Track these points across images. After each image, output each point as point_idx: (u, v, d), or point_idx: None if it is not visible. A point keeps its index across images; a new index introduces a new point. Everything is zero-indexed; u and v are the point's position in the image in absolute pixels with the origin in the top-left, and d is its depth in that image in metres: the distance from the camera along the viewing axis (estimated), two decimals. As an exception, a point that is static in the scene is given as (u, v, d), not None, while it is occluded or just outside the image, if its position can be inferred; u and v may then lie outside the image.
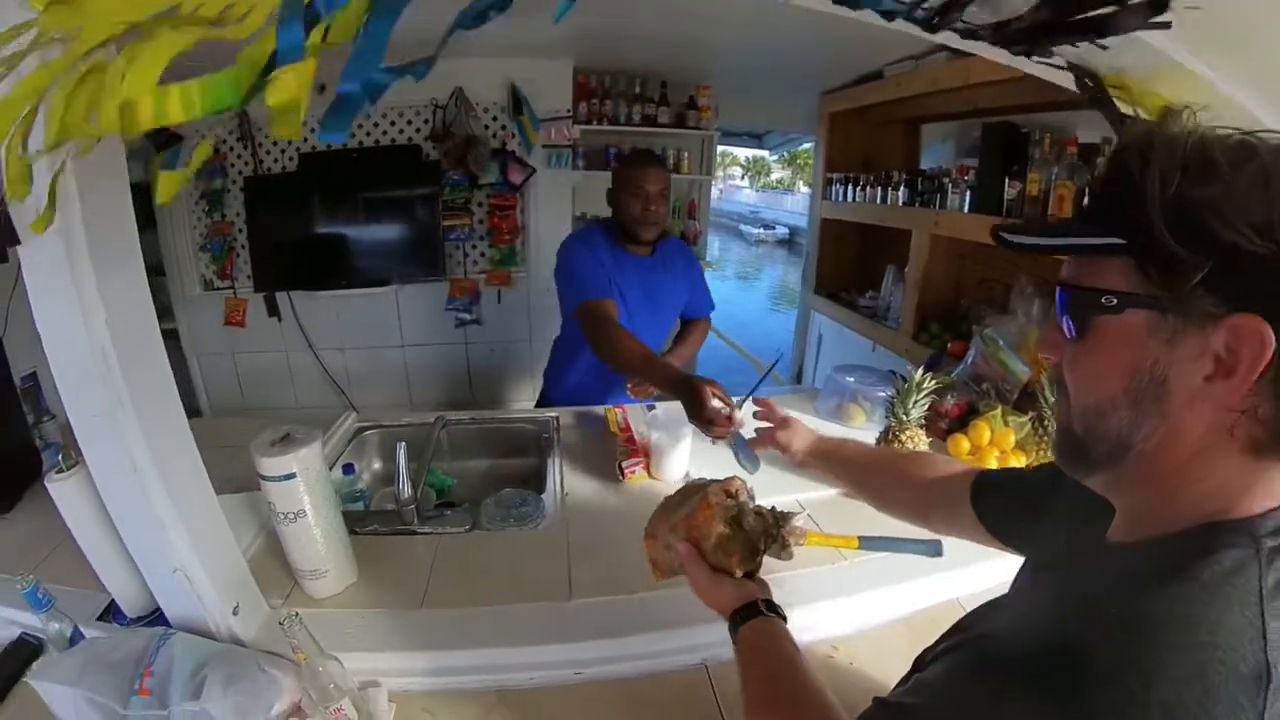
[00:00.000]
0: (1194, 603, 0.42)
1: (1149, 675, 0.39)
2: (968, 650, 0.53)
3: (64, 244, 0.73)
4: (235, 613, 1.00)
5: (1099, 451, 0.52)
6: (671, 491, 0.95)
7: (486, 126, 3.29)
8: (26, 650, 1.01)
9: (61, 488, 0.98)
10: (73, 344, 0.79)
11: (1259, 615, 0.41)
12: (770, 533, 0.83)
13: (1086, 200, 0.55)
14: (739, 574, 0.81)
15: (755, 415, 1.31)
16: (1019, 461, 1.47)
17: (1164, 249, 0.44)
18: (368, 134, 3.27)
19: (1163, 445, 0.48)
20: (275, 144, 3.25)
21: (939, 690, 0.52)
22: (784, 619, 0.79)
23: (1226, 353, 0.44)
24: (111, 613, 1.09)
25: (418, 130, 3.27)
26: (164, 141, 3.10)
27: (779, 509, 0.85)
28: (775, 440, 1.20)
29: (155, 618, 1.04)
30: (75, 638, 0.98)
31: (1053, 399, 1.42)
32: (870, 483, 1.07)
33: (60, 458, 1.00)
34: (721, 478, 0.87)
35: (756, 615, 0.77)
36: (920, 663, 0.67)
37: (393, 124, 3.26)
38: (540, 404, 2.21)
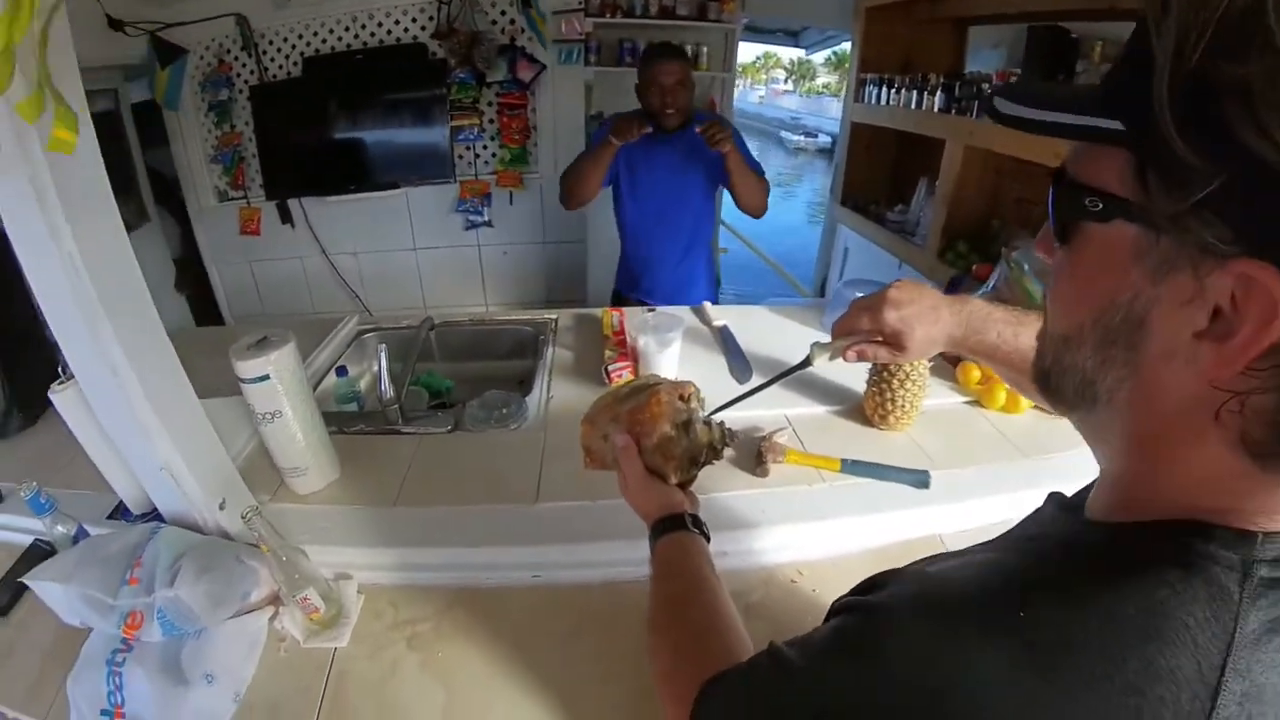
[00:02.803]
0: (1130, 629, 0.33)
1: (1041, 707, 0.32)
2: (849, 616, 0.45)
3: (28, 163, 0.73)
4: (222, 508, 1.04)
5: (1064, 388, 0.43)
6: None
7: (494, 21, 3.14)
8: (37, 556, 1.07)
9: (63, 398, 1.02)
10: (46, 262, 0.79)
11: (1217, 667, 0.32)
12: (715, 446, 0.79)
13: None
14: (674, 480, 0.78)
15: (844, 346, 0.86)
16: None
17: (1166, 145, 0.30)
18: (371, 34, 3.15)
19: (1132, 404, 0.38)
20: (279, 50, 3.18)
21: (811, 653, 0.45)
22: (708, 538, 0.74)
23: (1231, 307, 0.31)
24: (120, 511, 1.15)
25: (422, 28, 3.13)
26: (169, 56, 3.05)
27: (728, 426, 0.81)
28: (877, 353, 0.84)
29: (155, 514, 1.09)
30: (79, 537, 1.04)
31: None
32: (1029, 390, 0.83)
33: (61, 370, 1.03)
34: (676, 379, 0.83)
35: (680, 529, 0.72)
36: (831, 611, 0.57)
37: (396, 22, 3.13)
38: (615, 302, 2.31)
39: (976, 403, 1.44)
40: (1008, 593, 0.38)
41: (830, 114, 21.95)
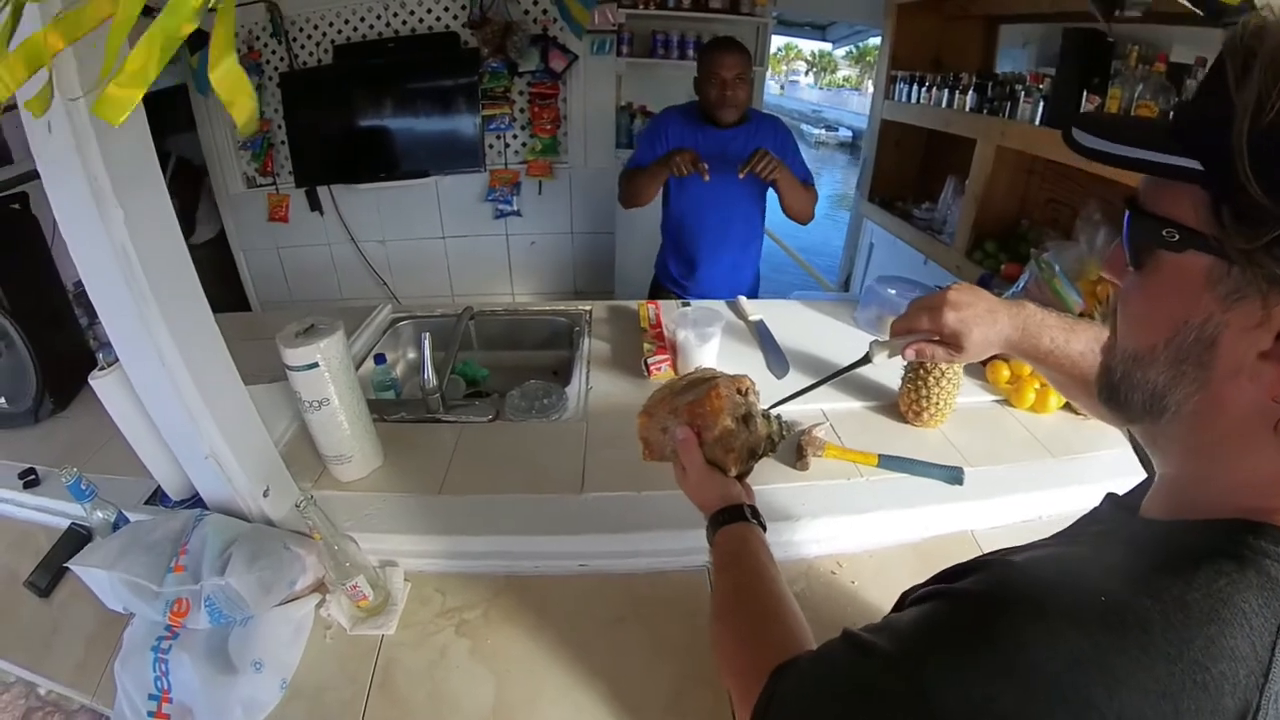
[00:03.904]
0: (1194, 611, 0.36)
1: (1120, 680, 0.35)
2: (941, 602, 0.47)
3: (77, 151, 0.73)
4: (266, 495, 1.06)
5: (1134, 401, 0.46)
6: None
7: (526, 11, 3.14)
8: (76, 539, 1.10)
9: (104, 384, 1.03)
10: (96, 247, 0.80)
11: (1269, 647, 0.35)
12: (773, 439, 0.80)
13: (1181, 104, 0.44)
14: (733, 473, 0.79)
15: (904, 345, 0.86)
16: (1059, 397, 1.40)
17: (1242, 188, 0.34)
18: (404, 22, 3.15)
19: (1198, 415, 0.42)
20: (309, 38, 3.19)
21: (902, 637, 0.46)
22: (764, 528, 0.76)
23: None
24: (158, 497, 1.17)
25: (455, 17, 3.14)
26: (199, 41, 3.07)
27: (785, 420, 0.82)
28: (935, 353, 0.84)
29: (195, 500, 1.11)
30: (119, 523, 1.05)
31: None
32: (1078, 395, 0.86)
33: (103, 356, 1.04)
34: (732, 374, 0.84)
35: (740, 519, 0.74)
36: (901, 601, 0.60)
37: (429, 11, 3.13)
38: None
39: (1005, 402, 1.46)
40: (1088, 581, 0.41)
41: (850, 107, 21.80)
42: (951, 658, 0.41)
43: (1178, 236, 0.39)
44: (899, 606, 0.59)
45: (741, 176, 1.86)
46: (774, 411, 0.84)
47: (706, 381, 0.81)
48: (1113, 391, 0.48)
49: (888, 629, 0.48)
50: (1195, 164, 0.38)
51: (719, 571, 0.73)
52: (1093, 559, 0.45)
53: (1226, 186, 0.36)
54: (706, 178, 1.86)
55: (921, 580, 0.59)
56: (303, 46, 3.20)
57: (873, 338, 0.87)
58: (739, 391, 0.80)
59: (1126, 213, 0.44)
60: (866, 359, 0.85)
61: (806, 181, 2.07)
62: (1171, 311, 0.41)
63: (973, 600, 0.44)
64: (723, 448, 0.78)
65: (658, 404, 0.85)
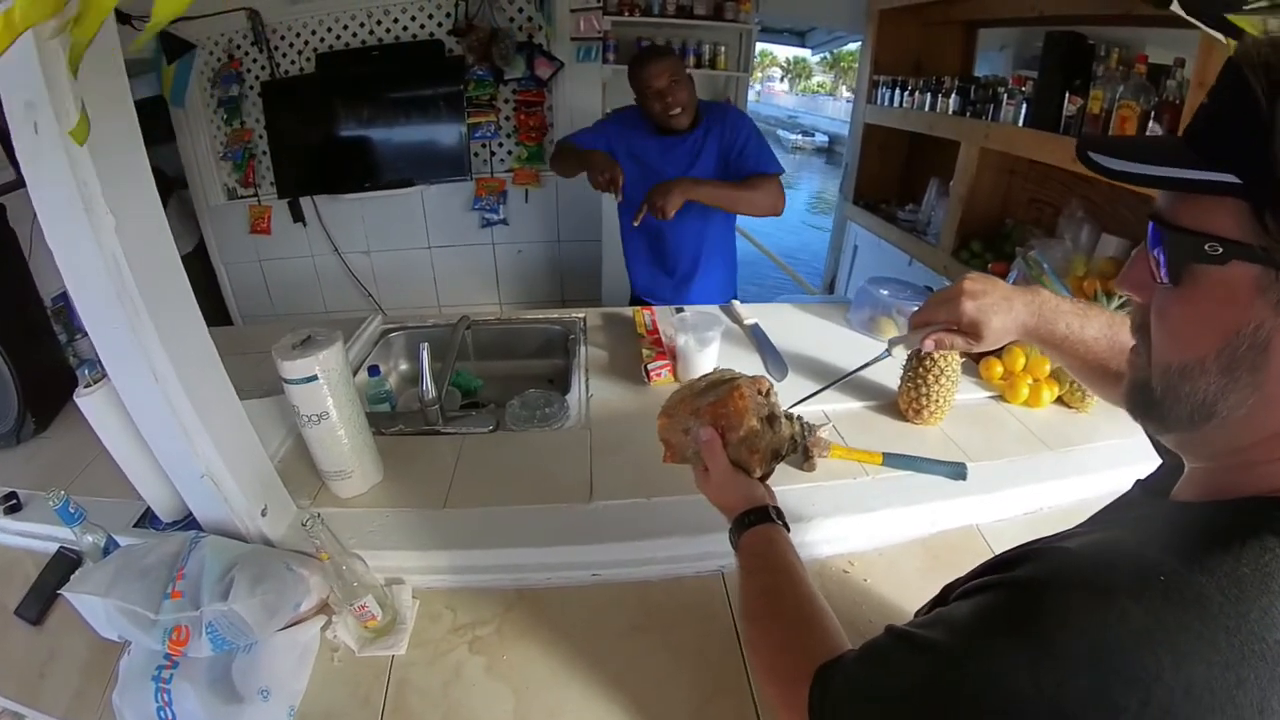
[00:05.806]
0: (1247, 585, 0.37)
1: (1184, 654, 0.36)
2: (998, 592, 0.47)
3: (65, 153, 0.70)
4: (264, 514, 1.02)
5: (1178, 414, 0.46)
6: None
7: (511, 19, 3.13)
8: (65, 564, 1.06)
9: (90, 401, 0.99)
10: (84, 256, 0.76)
11: None
12: (795, 440, 0.80)
13: (1194, 120, 0.44)
14: (757, 474, 0.79)
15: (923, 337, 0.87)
16: (1052, 391, 1.42)
17: None
18: (387, 30, 3.13)
19: (1249, 418, 0.43)
20: (291, 46, 3.16)
21: (959, 629, 0.46)
22: (788, 529, 0.75)
23: None
24: (148, 519, 1.12)
25: (439, 24, 3.12)
26: (177, 51, 3.02)
27: (805, 420, 0.82)
28: (954, 342, 0.85)
29: (189, 521, 1.07)
30: (110, 547, 1.01)
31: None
32: (1092, 381, 0.86)
33: (88, 372, 1.00)
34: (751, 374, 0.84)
35: (765, 521, 0.74)
36: (945, 595, 0.60)
37: (413, 19, 3.11)
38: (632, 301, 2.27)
39: (1000, 397, 1.47)
40: (1144, 561, 0.41)
41: (825, 113, 22.04)
42: (1020, 646, 0.41)
43: (1220, 250, 0.40)
44: (941, 601, 0.59)
45: (636, 225, 1.81)
46: (795, 412, 0.84)
47: (727, 382, 0.81)
48: (1151, 407, 0.48)
49: (940, 623, 0.48)
50: (1232, 177, 0.39)
51: (748, 574, 0.73)
52: (1141, 541, 0.46)
53: (1269, 196, 0.37)
54: (619, 199, 1.83)
55: (931, 572, 0.59)
56: (284, 55, 3.17)
57: (864, 336, 0.89)
58: (760, 392, 0.79)
59: (1154, 230, 0.45)
60: (886, 354, 0.87)
61: (763, 170, 1.91)
62: (1221, 323, 0.42)
63: (1034, 588, 0.44)
64: (748, 448, 0.77)
65: (678, 405, 0.84)
